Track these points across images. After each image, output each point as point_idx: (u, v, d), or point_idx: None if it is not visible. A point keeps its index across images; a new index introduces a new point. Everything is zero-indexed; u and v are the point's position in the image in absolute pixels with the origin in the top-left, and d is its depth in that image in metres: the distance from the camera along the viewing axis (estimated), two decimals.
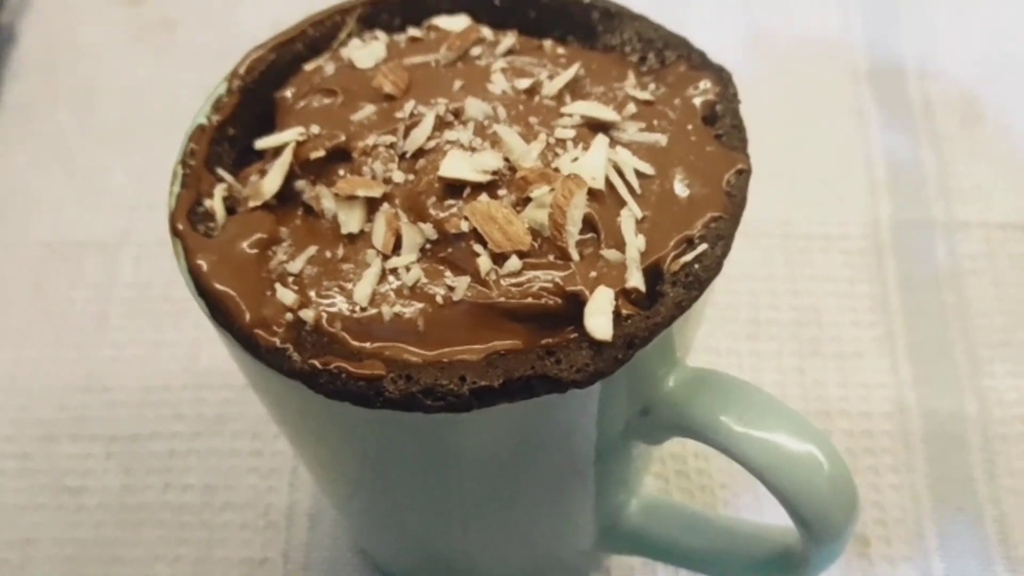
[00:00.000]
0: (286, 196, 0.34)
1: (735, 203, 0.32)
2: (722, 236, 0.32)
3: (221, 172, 0.35)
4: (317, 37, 0.38)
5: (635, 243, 0.31)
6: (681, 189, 0.33)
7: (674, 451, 0.49)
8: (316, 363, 0.30)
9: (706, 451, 0.49)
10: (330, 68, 0.36)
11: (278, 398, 0.33)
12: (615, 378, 0.30)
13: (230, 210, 0.34)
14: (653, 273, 0.31)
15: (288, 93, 0.36)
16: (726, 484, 0.48)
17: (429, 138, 0.33)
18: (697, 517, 0.42)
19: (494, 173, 0.31)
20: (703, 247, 0.31)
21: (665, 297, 0.31)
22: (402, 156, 0.33)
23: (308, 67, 0.37)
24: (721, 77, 0.35)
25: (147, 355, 0.55)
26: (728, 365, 0.32)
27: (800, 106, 0.63)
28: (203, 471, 0.51)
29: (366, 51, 0.36)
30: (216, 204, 0.34)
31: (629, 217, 0.31)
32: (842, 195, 0.59)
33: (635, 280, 0.30)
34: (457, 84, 0.35)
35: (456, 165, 0.32)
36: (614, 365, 0.30)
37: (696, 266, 0.31)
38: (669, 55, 0.36)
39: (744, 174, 0.33)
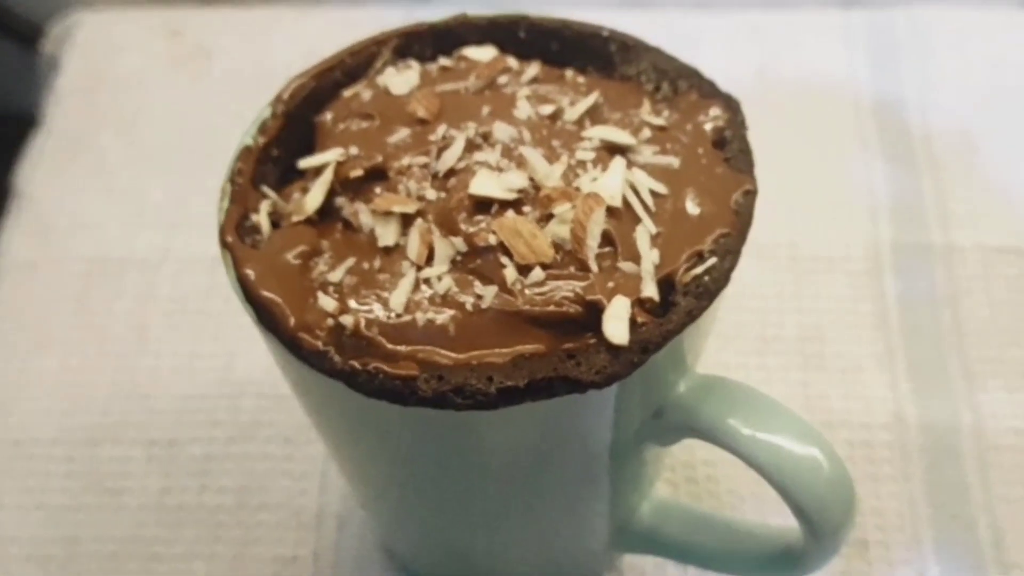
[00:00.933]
0: (326, 212, 0.35)
1: (742, 220, 0.34)
2: (730, 251, 0.33)
3: (265, 190, 0.36)
4: (354, 66, 0.40)
5: (650, 256, 0.32)
6: (692, 207, 0.34)
7: (684, 459, 0.51)
8: (356, 364, 0.31)
9: (714, 459, 0.51)
10: (367, 94, 0.38)
11: (319, 398, 0.35)
12: (630, 380, 0.31)
13: (274, 224, 0.36)
14: (666, 284, 0.32)
15: (328, 117, 0.38)
16: (732, 489, 0.50)
17: (460, 159, 0.35)
18: (704, 518, 0.44)
19: (520, 191, 0.33)
20: (712, 260, 0.33)
21: (677, 306, 0.32)
22: (435, 175, 0.35)
23: (346, 93, 0.39)
24: (730, 105, 0.37)
25: (185, 365, 0.56)
26: (737, 379, 0.34)
27: (807, 137, 0.64)
28: (238, 474, 0.51)
29: (401, 79, 0.38)
30: (262, 219, 0.35)
31: (644, 233, 0.33)
32: (846, 220, 0.60)
33: (649, 290, 0.32)
34: (485, 109, 0.36)
35: (485, 184, 0.33)
36: (630, 368, 0.31)
37: (706, 278, 0.33)
38: (682, 84, 0.38)
39: (751, 194, 0.35)
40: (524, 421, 0.33)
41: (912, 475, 0.51)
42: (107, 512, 0.52)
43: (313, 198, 0.35)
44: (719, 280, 0.33)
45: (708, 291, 0.33)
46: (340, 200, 0.35)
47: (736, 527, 0.42)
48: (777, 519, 0.39)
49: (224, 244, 0.35)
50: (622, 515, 0.43)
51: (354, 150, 0.36)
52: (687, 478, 0.51)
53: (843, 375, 0.54)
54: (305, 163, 0.36)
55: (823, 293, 0.58)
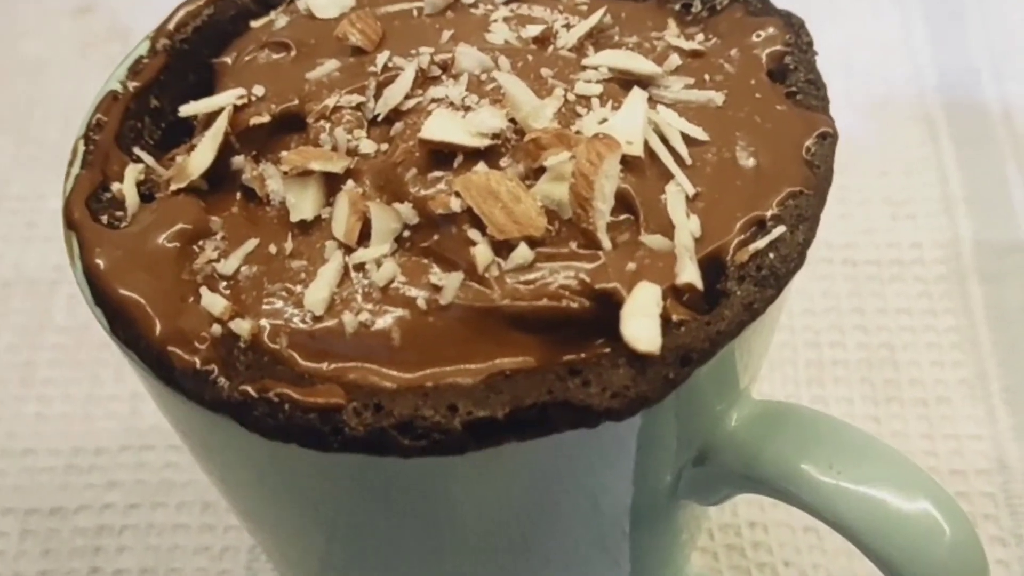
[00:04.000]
0: (221, 177, 0.28)
1: (820, 175, 0.26)
2: (804, 217, 0.25)
3: (139, 153, 0.28)
4: None
5: (687, 226, 0.25)
6: (745, 158, 0.26)
7: (724, 521, 0.42)
8: (249, 389, 0.23)
9: (764, 520, 0.43)
10: (282, 21, 0.30)
11: (202, 440, 0.27)
12: (663, 409, 0.24)
13: (148, 198, 0.27)
14: (712, 266, 0.25)
15: (229, 59, 0.30)
16: (791, 561, 0.41)
17: (408, 96, 0.27)
18: None
19: (495, 137, 0.26)
20: (779, 230, 0.25)
21: (730, 297, 0.24)
22: (373, 121, 0.27)
23: (256, 24, 0.31)
24: (790, 23, 0.29)
25: (79, 411, 0.48)
26: None
27: (859, 116, 0.57)
28: (140, 551, 0.44)
29: None
30: (127, 188, 0.28)
31: (678, 193, 0.25)
32: (913, 214, 0.53)
33: (688, 274, 0.24)
34: (446, 35, 0.29)
35: (443, 126, 0.26)
36: (664, 388, 0.23)
37: (771, 256, 0.25)
38: (720, 0, 0.30)
39: (829, 139, 0.27)
40: (506, 470, 0.25)
41: None
42: None
43: (200, 157, 0.28)
44: (789, 259, 0.25)
45: (774, 274, 0.25)
46: (239, 160, 0.28)
47: None
48: None
49: (68, 223, 0.26)
50: None
51: (260, 90, 0.28)
52: (729, 546, 0.42)
53: (925, 408, 0.46)
54: (188, 109, 0.28)
55: (892, 306, 0.50)
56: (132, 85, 0.29)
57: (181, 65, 0.30)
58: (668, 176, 0.25)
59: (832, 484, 0.26)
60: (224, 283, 0.25)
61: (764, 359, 0.29)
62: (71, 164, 0.28)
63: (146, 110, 0.29)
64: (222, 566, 0.43)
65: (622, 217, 0.25)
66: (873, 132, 0.56)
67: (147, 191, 0.28)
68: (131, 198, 0.27)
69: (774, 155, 0.26)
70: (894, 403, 0.46)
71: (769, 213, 0.25)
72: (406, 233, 0.25)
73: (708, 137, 0.26)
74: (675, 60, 0.28)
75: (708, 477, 0.27)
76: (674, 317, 0.23)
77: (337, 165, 0.26)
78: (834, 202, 0.51)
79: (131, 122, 0.29)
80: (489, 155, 0.25)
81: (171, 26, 0.30)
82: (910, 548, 0.26)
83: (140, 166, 0.28)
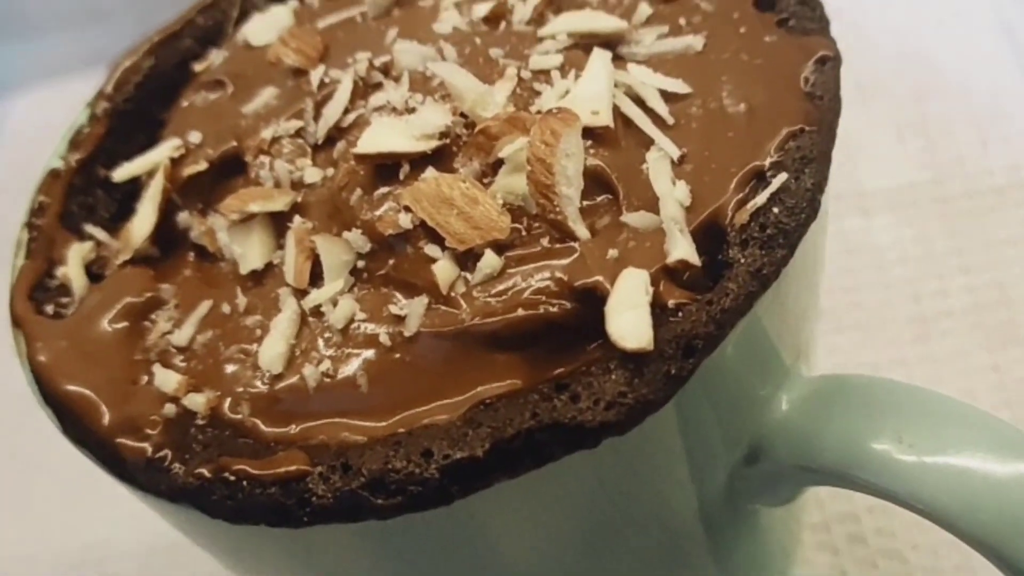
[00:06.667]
0: (172, 240, 0.26)
1: (822, 107, 0.23)
2: (810, 159, 0.22)
3: (91, 230, 0.26)
4: (209, 26, 0.30)
5: (673, 195, 0.22)
6: (734, 104, 0.23)
7: (840, 510, 0.39)
8: (205, 471, 0.21)
9: (884, 504, 0.38)
10: (220, 58, 0.28)
11: (186, 531, 0.24)
12: (682, 408, 0.21)
13: (98, 277, 0.25)
14: (710, 234, 0.22)
15: (180, 107, 0.28)
16: (919, 544, 0.37)
17: (348, 110, 0.25)
18: None
19: (442, 136, 0.23)
20: (781, 178, 0.22)
21: (735, 267, 0.21)
22: (316, 146, 0.25)
23: (198, 67, 0.29)
24: None
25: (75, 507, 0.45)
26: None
27: (929, 28, 0.52)
28: None
29: (264, 23, 0.29)
30: (71, 270, 0.25)
31: (661, 159, 0.23)
32: (1004, 133, 0.48)
33: (680, 250, 0.21)
34: (391, 35, 0.26)
35: (380, 135, 0.23)
36: (668, 387, 0.20)
37: (775, 210, 0.22)
38: None
39: (830, 63, 0.23)
40: (506, 514, 0.22)
41: None
42: None
43: (141, 222, 0.25)
44: (798, 210, 0.22)
45: (783, 232, 0.22)
46: (184, 217, 0.25)
47: None
48: None
49: (13, 319, 0.24)
50: None
51: (195, 137, 0.26)
52: (849, 536, 0.38)
53: None
54: (121, 173, 0.26)
55: (995, 239, 0.45)
56: (74, 159, 0.27)
57: (127, 127, 0.28)
58: (648, 142, 0.22)
59: (910, 461, 0.22)
60: (180, 356, 0.23)
61: (808, 329, 0.25)
62: (16, 255, 0.26)
63: (96, 183, 0.27)
64: None
65: (600, 199, 0.22)
66: (946, 46, 0.52)
67: (99, 270, 0.26)
68: (77, 280, 0.25)
69: (767, 94, 0.23)
70: (1015, 346, 0.42)
71: (768, 161, 0.22)
72: (360, 263, 0.22)
73: (690, 89, 0.23)
74: (645, 10, 0.25)
75: (764, 476, 0.24)
76: (670, 303, 0.20)
77: (279, 202, 0.23)
78: (911, 134, 0.48)
79: (80, 198, 0.27)
80: (439, 158, 0.23)
81: (110, 88, 0.28)
82: (1011, 524, 0.21)
83: (88, 244, 0.26)
